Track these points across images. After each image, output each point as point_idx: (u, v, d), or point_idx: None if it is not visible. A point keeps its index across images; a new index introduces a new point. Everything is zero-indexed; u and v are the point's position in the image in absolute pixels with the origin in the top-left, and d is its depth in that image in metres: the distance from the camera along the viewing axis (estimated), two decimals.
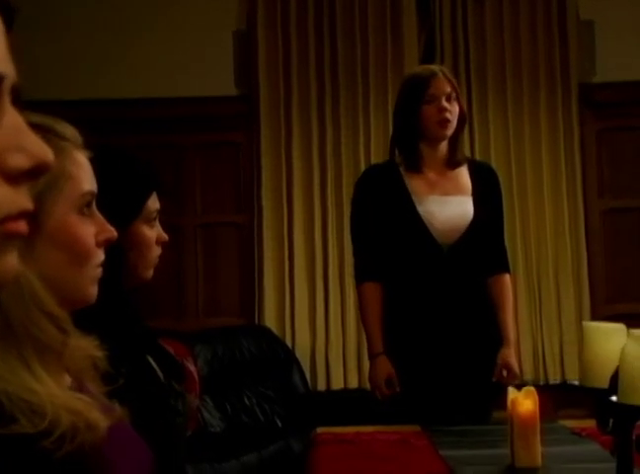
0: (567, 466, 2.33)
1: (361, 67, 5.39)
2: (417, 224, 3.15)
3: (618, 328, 1.96)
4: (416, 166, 3.23)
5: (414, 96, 3.21)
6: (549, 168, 5.40)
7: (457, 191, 3.23)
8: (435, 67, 3.32)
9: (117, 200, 2.02)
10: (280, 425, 4.87)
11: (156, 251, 2.11)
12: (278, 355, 5.09)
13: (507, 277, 3.33)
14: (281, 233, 5.34)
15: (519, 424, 2.31)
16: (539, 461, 2.30)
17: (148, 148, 5.38)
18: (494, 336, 3.21)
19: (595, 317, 5.38)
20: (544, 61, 5.42)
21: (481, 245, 3.22)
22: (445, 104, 3.18)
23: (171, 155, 5.43)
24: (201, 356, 4.82)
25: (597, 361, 1.97)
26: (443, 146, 3.26)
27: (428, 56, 5.49)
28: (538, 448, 2.30)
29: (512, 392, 2.35)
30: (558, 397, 5.31)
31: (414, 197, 3.19)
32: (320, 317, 5.31)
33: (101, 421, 1.25)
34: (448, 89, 3.20)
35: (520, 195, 5.39)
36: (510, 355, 3.26)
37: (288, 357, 5.13)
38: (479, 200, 3.24)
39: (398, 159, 3.29)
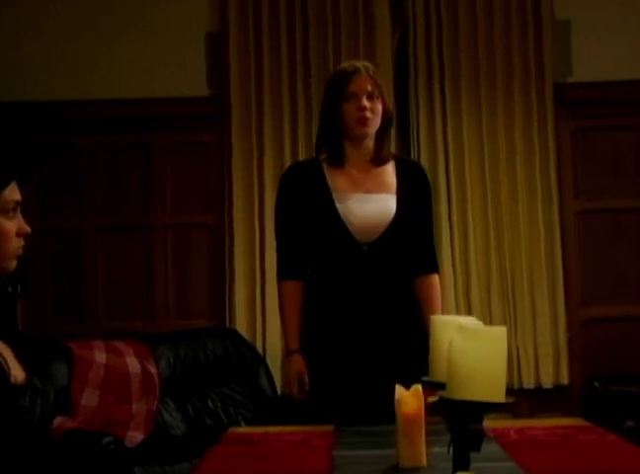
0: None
1: (334, 68, 5.33)
2: (335, 222, 3.09)
3: (464, 321, 1.90)
4: (338, 163, 3.18)
5: (335, 93, 3.17)
6: (523, 168, 5.33)
7: (381, 188, 3.17)
8: (359, 64, 3.23)
9: None
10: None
11: (16, 243, 2.08)
12: (244, 358, 5.05)
13: (435, 278, 3.25)
14: (253, 234, 5.31)
15: (403, 423, 2.26)
16: (424, 461, 2.25)
17: (119, 148, 5.42)
18: (419, 335, 3.15)
19: (570, 320, 5.33)
20: (519, 60, 5.35)
21: (404, 244, 3.15)
22: (365, 102, 3.11)
23: (142, 155, 5.43)
24: (164, 358, 4.79)
25: (441, 355, 1.92)
26: (368, 144, 3.19)
27: (400, 57, 5.46)
28: (423, 448, 2.25)
29: (398, 391, 2.29)
30: (532, 401, 5.26)
31: (334, 195, 3.13)
32: None
33: None
34: (369, 87, 3.13)
35: (494, 195, 5.31)
36: None
37: (255, 360, 5.09)
38: (404, 199, 3.17)
39: (322, 156, 3.24)
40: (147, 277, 5.41)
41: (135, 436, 4.44)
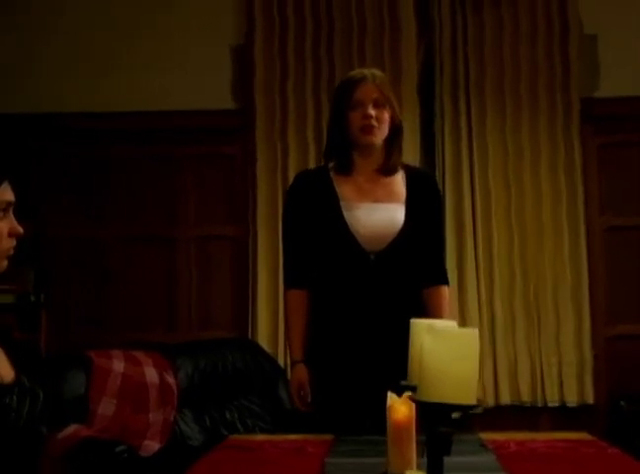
0: None
1: None
2: (342, 230, 3.06)
3: (439, 323, 1.87)
4: (347, 171, 3.15)
5: (342, 100, 3.14)
6: (549, 183, 5.28)
7: (389, 198, 3.13)
8: (366, 71, 3.20)
9: None
10: None
11: (7, 243, 2.09)
12: (263, 370, 5.02)
13: (443, 289, 3.20)
14: (276, 246, 5.28)
15: (393, 430, 2.23)
16: (413, 469, 2.21)
17: (144, 159, 5.44)
18: None
19: (595, 338, 5.25)
20: (545, 74, 5.32)
21: (412, 254, 3.11)
22: (370, 110, 3.08)
23: (166, 166, 5.45)
24: (182, 369, 4.77)
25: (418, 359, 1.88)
26: (377, 153, 3.16)
27: (426, 70, 5.44)
28: (413, 455, 2.21)
29: (390, 398, 2.27)
30: (556, 420, 5.19)
31: (342, 203, 3.10)
32: None
33: None
34: (375, 95, 3.10)
35: (519, 212, 5.27)
36: None
37: (275, 372, 5.06)
38: (413, 209, 3.13)
39: (331, 164, 3.22)
40: (170, 289, 5.43)
41: (151, 446, 4.43)
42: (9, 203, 2.10)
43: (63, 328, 5.34)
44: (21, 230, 2.11)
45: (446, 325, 1.76)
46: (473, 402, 1.66)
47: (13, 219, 2.11)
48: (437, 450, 1.69)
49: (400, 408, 2.23)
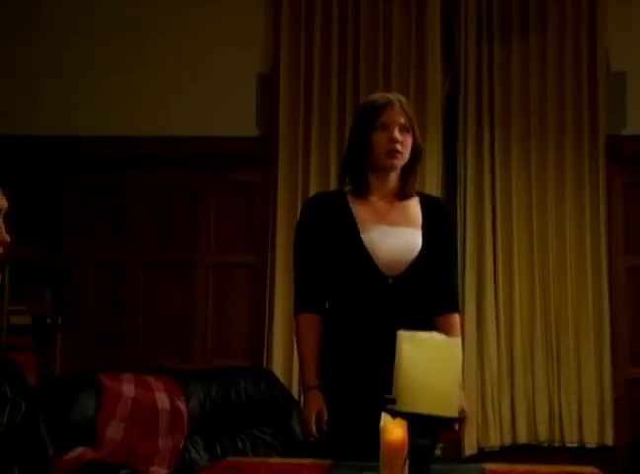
0: None
1: None
2: (361, 253, 3.01)
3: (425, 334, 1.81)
4: (363, 194, 3.11)
5: (366, 123, 3.10)
6: (573, 221, 5.21)
7: (406, 222, 3.09)
8: (392, 96, 3.15)
9: None
10: None
11: None
12: (277, 399, 4.96)
13: (455, 317, 3.13)
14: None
15: (386, 451, 2.17)
16: None
17: (167, 184, 5.45)
18: None
19: (616, 379, 5.14)
20: (572, 111, 5.27)
21: (429, 279, 3.06)
22: (397, 135, 3.05)
23: (188, 192, 5.46)
24: (194, 396, 4.72)
25: None
26: (394, 177, 3.13)
27: (451, 105, 5.41)
28: None
29: (384, 418, 2.21)
30: (574, 461, 5.06)
31: (359, 226, 3.05)
32: None
33: None
34: (402, 120, 3.07)
35: (541, 247, 5.21)
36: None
37: (289, 402, 5.00)
38: (429, 234, 3.09)
39: (346, 187, 3.18)
40: (187, 316, 5.41)
41: (158, 472, 4.38)
42: None
43: (79, 351, 5.33)
44: (8, 238, 2.08)
45: (430, 335, 1.70)
46: (455, 414, 1.60)
47: (2, 227, 2.08)
48: (417, 463, 1.63)
49: (394, 429, 2.17)
